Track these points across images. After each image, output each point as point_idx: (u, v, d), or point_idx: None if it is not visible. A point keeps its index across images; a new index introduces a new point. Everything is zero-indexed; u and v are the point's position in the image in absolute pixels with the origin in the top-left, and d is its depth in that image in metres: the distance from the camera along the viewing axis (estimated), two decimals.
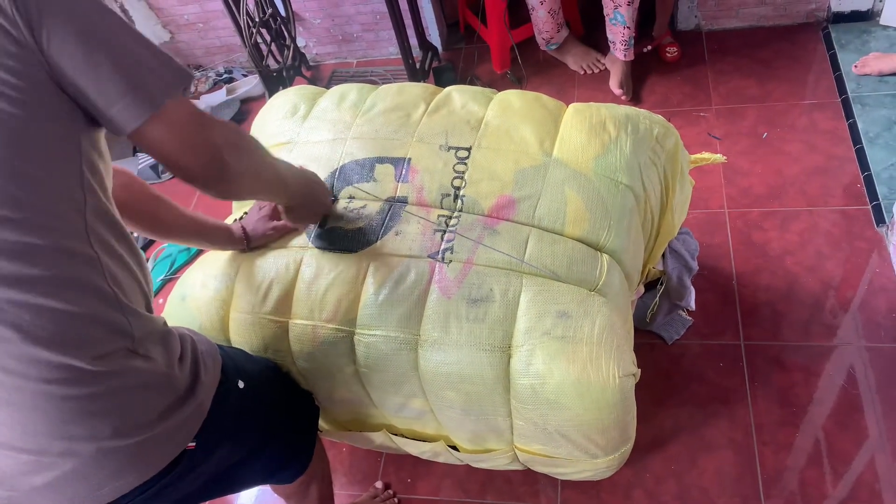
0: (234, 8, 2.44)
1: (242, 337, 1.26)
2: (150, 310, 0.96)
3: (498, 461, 1.47)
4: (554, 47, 2.62)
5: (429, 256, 1.20)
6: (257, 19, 2.50)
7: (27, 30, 0.73)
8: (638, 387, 1.21)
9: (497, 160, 1.28)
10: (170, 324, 1.00)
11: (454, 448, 1.41)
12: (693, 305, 1.85)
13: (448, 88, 1.45)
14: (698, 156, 1.54)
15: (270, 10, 2.54)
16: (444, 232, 1.22)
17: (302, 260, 1.25)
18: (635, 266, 1.32)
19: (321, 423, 1.44)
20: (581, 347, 1.11)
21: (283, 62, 2.68)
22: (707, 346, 1.81)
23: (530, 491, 1.65)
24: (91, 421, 0.84)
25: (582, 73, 2.62)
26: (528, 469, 1.54)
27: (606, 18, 2.37)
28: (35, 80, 0.74)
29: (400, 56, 2.56)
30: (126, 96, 0.77)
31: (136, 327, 0.88)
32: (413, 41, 2.65)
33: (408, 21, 2.57)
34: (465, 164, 1.29)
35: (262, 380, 1.18)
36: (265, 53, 2.64)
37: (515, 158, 1.28)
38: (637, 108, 1.40)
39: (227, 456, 1.05)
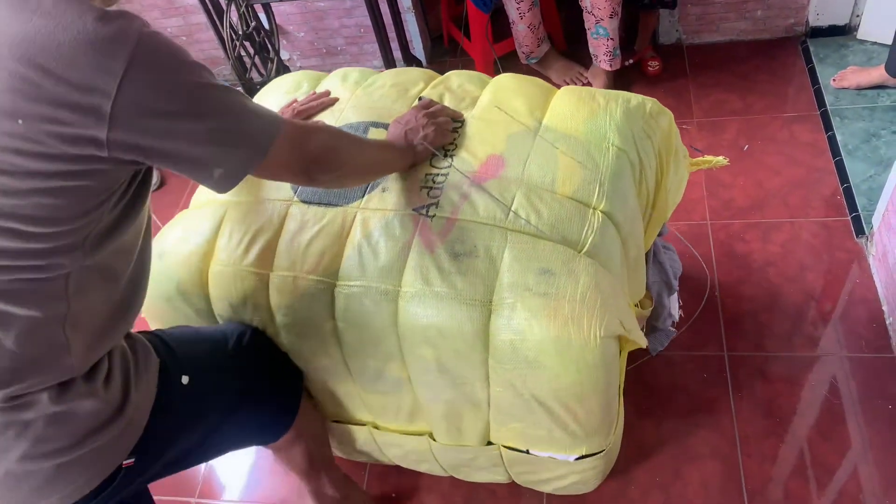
0: (217, 21, 2.43)
1: (222, 290, 1.25)
2: (127, 322, 0.97)
3: (481, 470, 1.46)
4: (534, 61, 2.63)
5: (413, 210, 1.20)
6: (241, 32, 2.50)
7: (128, 145, 0.78)
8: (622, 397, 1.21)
9: (488, 128, 1.30)
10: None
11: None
12: (678, 316, 1.86)
13: (448, 73, 1.49)
14: (700, 159, 1.54)
15: (254, 23, 2.54)
16: (431, 189, 1.22)
17: (287, 213, 1.26)
18: (633, 232, 1.30)
19: None
20: (563, 304, 1.09)
21: (266, 75, 2.68)
22: (691, 357, 1.81)
23: (514, 503, 1.64)
24: None
25: (565, 86, 2.64)
26: (513, 483, 1.54)
27: (588, 32, 2.39)
28: (104, 170, 0.79)
29: (384, 69, 2.56)
30: (232, 160, 0.87)
31: (79, 368, 0.89)
32: (397, 54, 2.66)
33: (392, 34, 2.57)
34: (458, 131, 1.31)
35: (216, 358, 1.17)
36: (249, 66, 2.63)
37: (506, 125, 1.30)
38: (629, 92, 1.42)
39: (180, 448, 1.06)
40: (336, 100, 1.42)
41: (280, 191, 1.28)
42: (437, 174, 1.24)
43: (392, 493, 1.70)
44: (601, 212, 1.19)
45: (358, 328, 1.20)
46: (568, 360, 1.10)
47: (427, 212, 1.19)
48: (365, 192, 1.25)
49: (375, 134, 1.32)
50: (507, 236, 1.16)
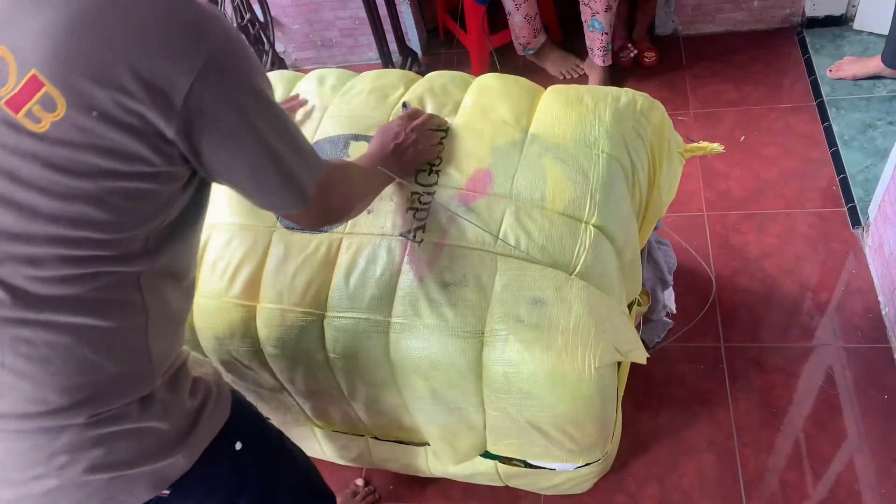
0: None
1: (207, 322, 1.21)
2: (183, 333, 0.95)
3: (478, 477, 1.46)
4: (531, 52, 2.63)
5: (400, 235, 1.16)
6: (235, 24, 2.48)
7: (188, 147, 0.76)
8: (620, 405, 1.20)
9: (473, 138, 1.25)
10: None
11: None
12: (674, 308, 1.86)
13: (429, 74, 1.43)
14: (695, 145, 1.52)
15: (249, 15, 2.53)
16: (417, 210, 1.18)
17: (270, 240, 1.22)
18: (629, 241, 1.27)
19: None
20: (556, 336, 1.07)
21: None
22: (687, 349, 1.81)
23: (512, 496, 1.64)
24: (66, 457, 0.81)
25: (561, 78, 2.63)
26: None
27: (584, 25, 2.38)
28: (173, 171, 0.78)
29: (380, 61, 2.56)
30: (281, 193, 0.86)
31: (158, 376, 0.86)
32: (393, 46, 2.65)
33: (387, 26, 2.57)
34: (442, 143, 1.26)
35: (270, 443, 1.08)
36: None
37: (492, 136, 1.25)
38: (619, 88, 1.39)
39: None
40: (306, 102, 1.37)
41: (262, 217, 1.24)
42: (423, 193, 1.19)
43: (389, 485, 1.71)
44: (593, 226, 1.16)
45: (350, 359, 1.17)
46: (563, 392, 1.09)
47: (414, 236, 1.15)
48: None
49: (356, 148, 1.27)
50: (496, 262, 1.12)
